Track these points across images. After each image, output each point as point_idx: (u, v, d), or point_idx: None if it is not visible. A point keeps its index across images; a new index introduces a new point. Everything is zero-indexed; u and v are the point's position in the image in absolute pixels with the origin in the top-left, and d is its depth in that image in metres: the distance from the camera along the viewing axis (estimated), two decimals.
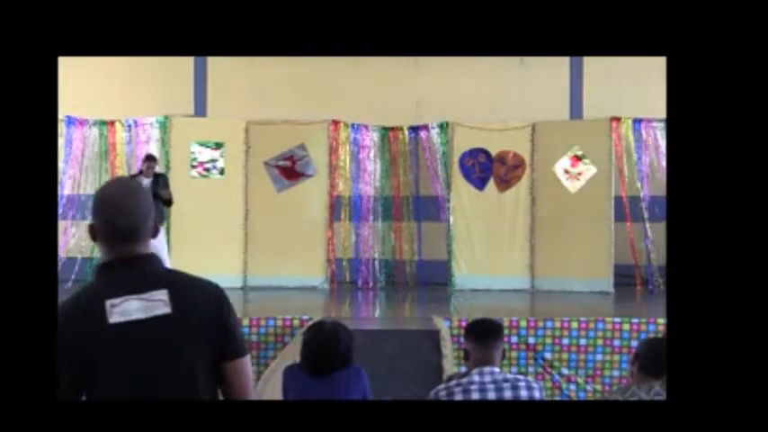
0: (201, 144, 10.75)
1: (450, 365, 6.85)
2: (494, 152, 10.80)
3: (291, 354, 5.84)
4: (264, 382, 6.12)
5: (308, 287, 10.49)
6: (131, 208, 2.31)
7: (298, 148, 10.86)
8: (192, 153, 10.69)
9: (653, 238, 10.55)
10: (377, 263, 11.10)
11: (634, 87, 10.99)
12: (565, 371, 7.44)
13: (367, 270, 11.05)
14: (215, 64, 11.54)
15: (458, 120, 10.86)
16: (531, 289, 10.59)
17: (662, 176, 10.43)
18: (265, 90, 11.43)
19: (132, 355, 2.11)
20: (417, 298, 10.49)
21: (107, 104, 11.01)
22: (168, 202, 9.18)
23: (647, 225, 10.66)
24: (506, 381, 3.98)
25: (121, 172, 10.83)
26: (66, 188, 10.76)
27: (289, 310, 8.17)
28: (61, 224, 10.45)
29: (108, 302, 2.17)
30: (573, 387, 7.43)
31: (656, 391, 3.59)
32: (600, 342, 7.44)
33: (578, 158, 10.55)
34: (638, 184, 10.76)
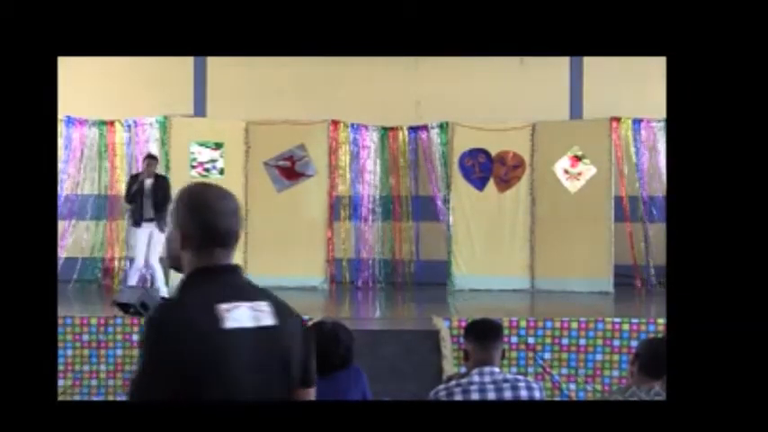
0: (201, 144, 10.75)
1: (449, 366, 6.85)
2: (494, 152, 10.80)
3: None
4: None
5: (308, 287, 10.49)
6: (232, 210, 2.34)
7: (297, 148, 10.85)
8: (192, 153, 10.68)
9: (652, 238, 10.54)
10: (377, 263, 11.09)
11: (634, 87, 10.99)
12: (565, 371, 7.44)
13: (367, 270, 11.05)
14: (215, 64, 11.53)
15: (458, 120, 10.86)
16: (531, 289, 10.59)
17: (661, 176, 10.43)
18: (265, 90, 11.42)
19: (244, 363, 2.07)
20: (417, 298, 10.48)
21: (107, 104, 11.01)
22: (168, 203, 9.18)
23: (651, 225, 10.66)
24: (506, 381, 3.98)
25: (121, 172, 10.84)
26: (65, 188, 10.75)
27: None
28: (60, 224, 10.44)
29: (221, 307, 2.15)
30: (573, 387, 7.43)
31: (655, 391, 3.59)
32: (600, 342, 7.44)
33: (578, 158, 10.54)
34: (637, 185, 10.77)
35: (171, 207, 2.31)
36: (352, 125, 11.03)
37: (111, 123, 10.86)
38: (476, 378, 3.96)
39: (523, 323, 7.56)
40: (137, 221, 9.06)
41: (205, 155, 10.74)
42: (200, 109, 11.62)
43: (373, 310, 9.93)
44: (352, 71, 11.23)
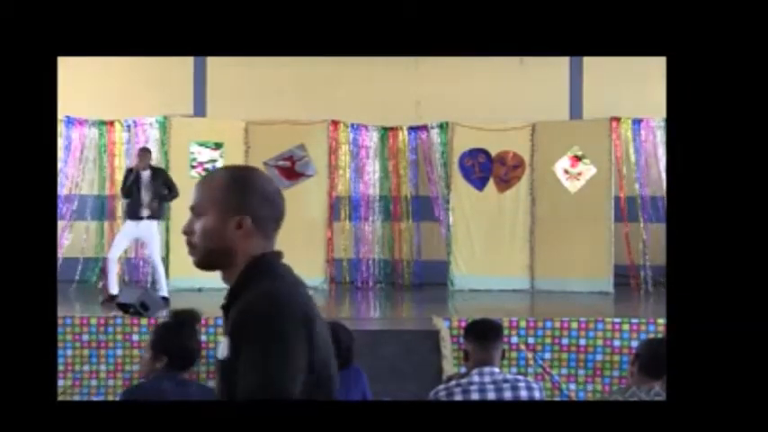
0: (201, 144, 10.75)
1: (449, 366, 6.85)
2: (493, 152, 10.80)
3: None
4: None
5: (308, 287, 10.46)
6: (281, 192, 2.20)
7: (297, 148, 10.85)
8: (192, 153, 10.68)
9: (651, 239, 10.54)
10: (377, 263, 11.09)
11: (634, 87, 10.99)
12: (565, 371, 7.43)
13: (367, 270, 11.05)
14: (214, 64, 11.53)
15: (457, 120, 10.86)
16: (531, 289, 10.59)
17: (661, 177, 10.44)
18: (265, 90, 11.42)
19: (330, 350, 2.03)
20: (417, 298, 10.48)
21: (106, 104, 11.00)
22: (175, 196, 9.12)
23: (647, 225, 10.67)
24: (506, 381, 3.98)
25: (121, 172, 10.83)
26: (65, 188, 10.75)
27: None
28: (60, 224, 10.44)
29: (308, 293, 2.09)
30: (573, 387, 7.43)
31: (655, 391, 3.59)
32: (600, 342, 7.43)
33: (578, 158, 10.54)
34: (636, 185, 10.77)
35: (208, 194, 2.07)
36: (352, 125, 11.03)
37: (111, 123, 10.86)
38: (476, 378, 3.96)
39: (523, 323, 7.55)
40: (133, 214, 8.97)
41: (205, 155, 10.74)
42: (199, 109, 11.62)
43: (373, 310, 9.93)
44: (352, 71, 11.23)
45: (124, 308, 7.75)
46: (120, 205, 10.79)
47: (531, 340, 7.49)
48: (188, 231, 2.08)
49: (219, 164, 10.74)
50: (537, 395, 3.99)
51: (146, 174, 8.99)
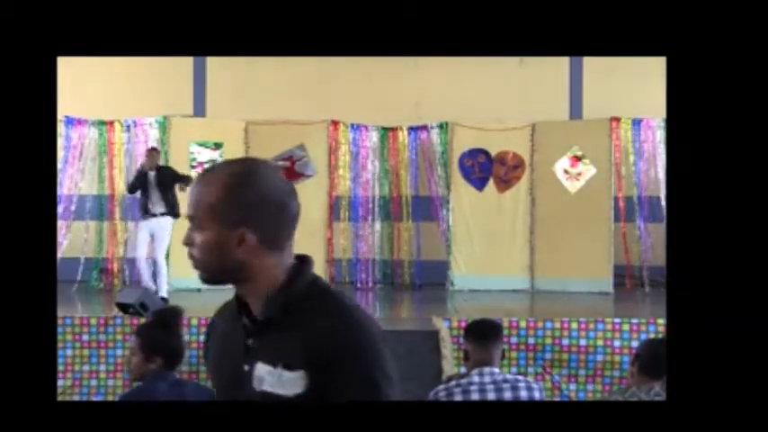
0: (201, 144, 10.75)
1: (449, 366, 6.85)
2: (493, 152, 10.80)
3: None
4: None
5: None
6: (294, 189, 1.88)
7: (297, 148, 10.85)
8: (192, 153, 10.68)
9: (652, 239, 10.55)
10: (376, 263, 11.09)
11: (634, 87, 10.99)
12: (565, 371, 7.44)
13: (366, 270, 11.05)
14: (214, 64, 11.53)
15: (457, 120, 10.86)
16: (531, 289, 10.59)
17: (661, 177, 10.44)
18: (265, 90, 11.42)
19: None
20: (416, 298, 10.48)
21: (106, 104, 11.00)
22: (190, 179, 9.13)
23: (647, 226, 10.67)
24: (506, 381, 3.98)
25: (121, 172, 10.83)
26: (64, 188, 10.74)
27: None
28: (60, 224, 10.44)
29: None
30: (573, 388, 7.43)
31: (655, 391, 3.59)
32: (600, 343, 7.44)
33: (578, 159, 10.54)
34: (635, 185, 10.77)
35: (204, 203, 1.79)
36: (352, 125, 11.03)
37: (111, 123, 10.85)
38: (476, 378, 3.96)
39: (523, 323, 7.55)
40: (145, 212, 9.02)
41: (205, 155, 10.74)
42: (199, 109, 11.62)
43: (373, 310, 9.93)
44: (352, 71, 11.23)
45: (124, 308, 7.74)
46: (120, 205, 10.80)
47: (531, 340, 7.49)
48: (188, 243, 1.84)
49: None
50: (537, 395, 3.99)
51: (152, 174, 8.99)
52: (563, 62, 11.43)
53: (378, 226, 11.14)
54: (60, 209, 10.50)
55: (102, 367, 7.40)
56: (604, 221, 10.36)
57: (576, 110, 11.51)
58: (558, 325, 7.52)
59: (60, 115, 10.29)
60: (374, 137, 11.11)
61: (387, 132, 11.09)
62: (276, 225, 1.80)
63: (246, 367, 1.77)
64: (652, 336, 7.00)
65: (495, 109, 11.09)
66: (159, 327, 3.69)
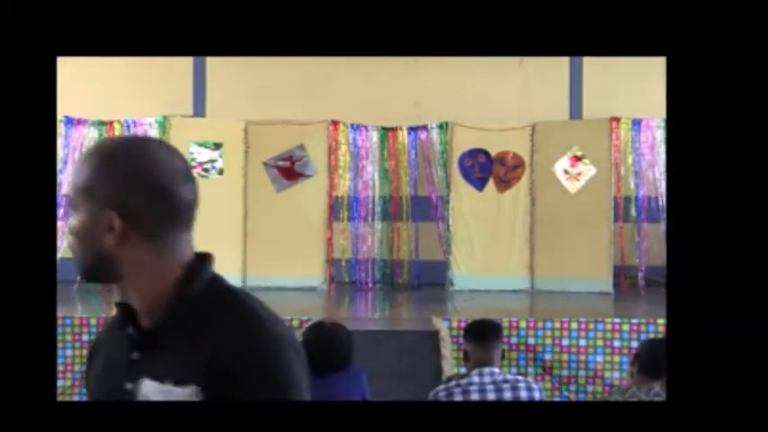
0: (200, 144, 10.74)
1: (449, 366, 6.84)
2: (493, 152, 10.80)
3: None
4: None
5: (308, 288, 10.48)
6: (188, 168, 1.60)
7: (297, 148, 10.85)
8: (191, 153, 10.67)
9: (652, 239, 10.55)
10: (376, 263, 11.09)
11: (634, 87, 10.99)
12: (565, 372, 7.44)
13: (366, 270, 11.05)
14: (214, 64, 11.53)
15: (457, 120, 10.86)
16: (531, 289, 10.59)
17: (661, 177, 10.44)
18: (265, 90, 11.42)
19: None
20: (416, 298, 10.48)
21: (106, 105, 11.00)
22: None
23: (648, 226, 10.68)
24: (506, 381, 3.98)
25: None
26: (64, 188, 10.74)
27: (288, 311, 8.15)
28: (60, 225, 10.43)
29: None
30: (573, 388, 7.43)
31: (655, 392, 3.60)
32: (600, 343, 7.44)
33: (578, 159, 10.54)
34: (633, 185, 10.77)
35: (81, 177, 1.53)
36: (352, 125, 11.03)
37: (111, 123, 10.85)
38: (475, 378, 3.96)
39: (523, 324, 7.55)
40: None
41: (204, 155, 10.74)
42: (199, 109, 11.62)
43: (373, 310, 9.93)
44: (352, 71, 11.23)
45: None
46: None
47: (530, 341, 7.49)
48: (69, 230, 1.57)
49: (219, 164, 10.74)
50: (537, 396, 4.00)
51: None
52: (563, 62, 11.43)
53: (377, 226, 11.14)
54: (61, 210, 10.50)
55: None
56: (604, 221, 10.36)
57: (575, 110, 11.52)
58: (557, 325, 7.52)
59: (60, 115, 10.29)
60: (374, 137, 11.11)
61: (387, 132, 11.09)
62: (153, 212, 1.51)
63: (129, 385, 1.54)
64: (652, 336, 7.00)
65: (495, 109, 11.09)
66: None
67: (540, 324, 7.55)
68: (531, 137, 10.75)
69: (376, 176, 11.12)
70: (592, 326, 7.49)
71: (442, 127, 10.94)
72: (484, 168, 10.82)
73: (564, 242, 10.36)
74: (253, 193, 10.78)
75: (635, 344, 6.85)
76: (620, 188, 10.71)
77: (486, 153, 10.81)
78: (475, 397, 3.89)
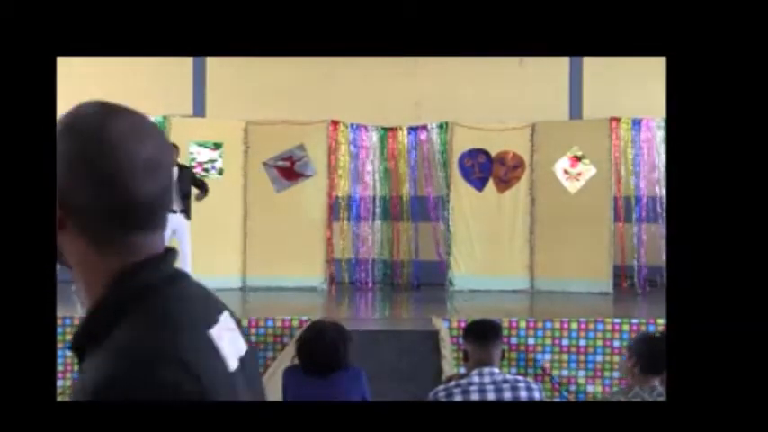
0: (200, 144, 10.75)
1: (449, 366, 6.85)
2: (493, 152, 10.80)
3: (290, 355, 5.84)
4: (264, 383, 6.11)
5: (307, 288, 10.49)
6: (159, 158, 1.28)
7: (297, 148, 10.85)
8: (191, 153, 10.68)
9: (652, 239, 10.55)
10: (376, 263, 11.09)
11: (634, 87, 11.00)
12: (565, 372, 7.44)
13: (366, 270, 11.05)
14: (214, 64, 11.54)
15: (457, 120, 10.86)
16: (531, 290, 10.59)
17: (661, 177, 10.45)
18: (264, 90, 11.43)
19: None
20: (416, 298, 10.49)
21: None
22: (207, 191, 9.17)
23: (648, 226, 10.68)
24: (506, 381, 3.98)
25: None
26: None
27: (288, 311, 8.17)
28: None
29: (213, 334, 1.31)
30: (573, 388, 7.43)
31: (658, 392, 3.59)
32: (600, 343, 7.44)
33: (578, 159, 10.55)
34: (632, 185, 10.78)
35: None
36: (352, 125, 11.03)
37: None
38: (475, 379, 3.96)
39: (523, 324, 7.56)
40: None
41: (204, 155, 10.74)
42: (199, 109, 11.62)
43: (372, 310, 9.93)
44: (352, 71, 11.23)
45: None
46: None
47: (530, 341, 7.49)
48: None
49: (218, 164, 10.74)
50: (537, 396, 3.99)
51: (174, 170, 9.00)
52: (563, 62, 11.44)
53: (377, 226, 11.14)
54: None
55: None
56: (604, 221, 10.36)
57: (575, 110, 11.52)
58: (557, 325, 7.52)
59: (59, 115, 10.28)
60: (374, 137, 11.11)
61: (386, 132, 11.10)
62: (97, 209, 1.25)
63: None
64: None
65: (495, 109, 11.09)
66: None
67: (539, 324, 7.55)
68: (531, 137, 10.76)
69: (376, 176, 11.12)
70: (592, 326, 7.49)
71: (442, 127, 10.94)
72: (484, 168, 10.82)
73: (564, 242, 10.36)
74: (253, 193, 10.78)
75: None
76: (620, 188, 10.71)
77: (486, 153, 10.81)
78: (475, 397, 3.89)
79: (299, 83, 11.40)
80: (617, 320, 7.53)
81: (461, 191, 10.79)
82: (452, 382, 4.06)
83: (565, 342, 7.47)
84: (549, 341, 7.49)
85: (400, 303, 10.42)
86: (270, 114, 10.94)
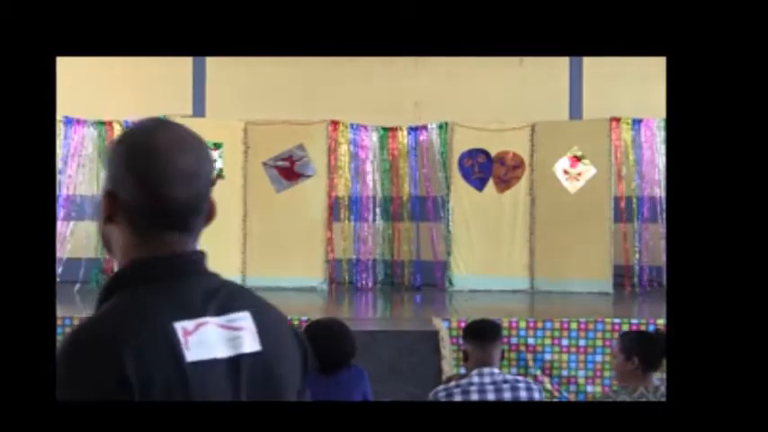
0: None
1: (449, 366, 6.85)
2: (493, 152, 10.79)
3: None
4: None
5: (307, 288, 10.48)
6: (196, 169, 1.48)
7: (296, 148, 10.85)
8: None
9: (652, 239, 10.55)
10: (376, 263, 11.09)
11: (634, 87, 10.99)
12: (565, 372, 7.44)
13: (366, 271, 11.04)
14: (213, 64, 11.52)
15: (457, 120, 10.85)
16: (531, 290, 10.58)
17: (661, 177, 10.45)
18: (264, 90, 11.42)
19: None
20: (416, 298, 10.48)
21: (105, 105, 10.99)
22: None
23: (648, 226, 10.68)
24: (506, 382, 3.98)
25: None
26: (63, 189, 10.74)
27: (288, 311, 8.10)
28: (59, 225, 10.43)
29: (179, 326, 1.42)
30: (573, 388, 7.43)
31: (661, 392, 3.60)
32: (599, 343, 7.44)
33: (578, 159, 10.54)
34: (633, 185, 10.77)
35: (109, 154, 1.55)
36: (352, 125, 11.03)
37: (110, 124, 10.84)
38: (475, 379, 3.96)
39: (523, 324, 7.55)
40: None
41: None
42: (198, 109, 11.61)
43: (372, 310, 9.92)
44: (352, 71, 11.22)
45: None
46: None
47: (530, 341, 7.49)
48: None
49: (218, 164, 10.73)
50: (536, 396, 3.99)
51: None
52: (563, 62, 11.43)
53: (378, 226, 11.14)
54: (61, 210, 10.49)
55: None
56: (604, 222, 10.35)
57: (575, 110, 11.51)
58: (557, 325, 7.51)
59: (59, 115, 10.29)
60: (374, 137, 11.11)
61: (386, 132, 11.09)
62: (135, 203, 1.48)
63: None
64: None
65: (494, 109, 11.08)
66: None
67: (539, 324, 7.55)
68: (530, 137, 10.75)
69: (376, 176, 11.12)
70: (591, 326, 7.49)
71: (442, 127, 10.93)
72: (484, 168, 10.82)
73: (564, 242, 10.35)
74: (253, 193, 10.77)
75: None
76: (620, 188, 10.71)
77: (485, 153, 10.81)
78: (474, 397, 3.89)
79: (299, 83, 11.39)
80: (617, 320, 7.53)
81: (461, 191, 10.79)
82: (452, 383, 4.06)
83: (565, 342, 7.46)
84: (548, 341, 7.48)
85: (400, 303, 10.42)
86: (270, 114, 10.93)
